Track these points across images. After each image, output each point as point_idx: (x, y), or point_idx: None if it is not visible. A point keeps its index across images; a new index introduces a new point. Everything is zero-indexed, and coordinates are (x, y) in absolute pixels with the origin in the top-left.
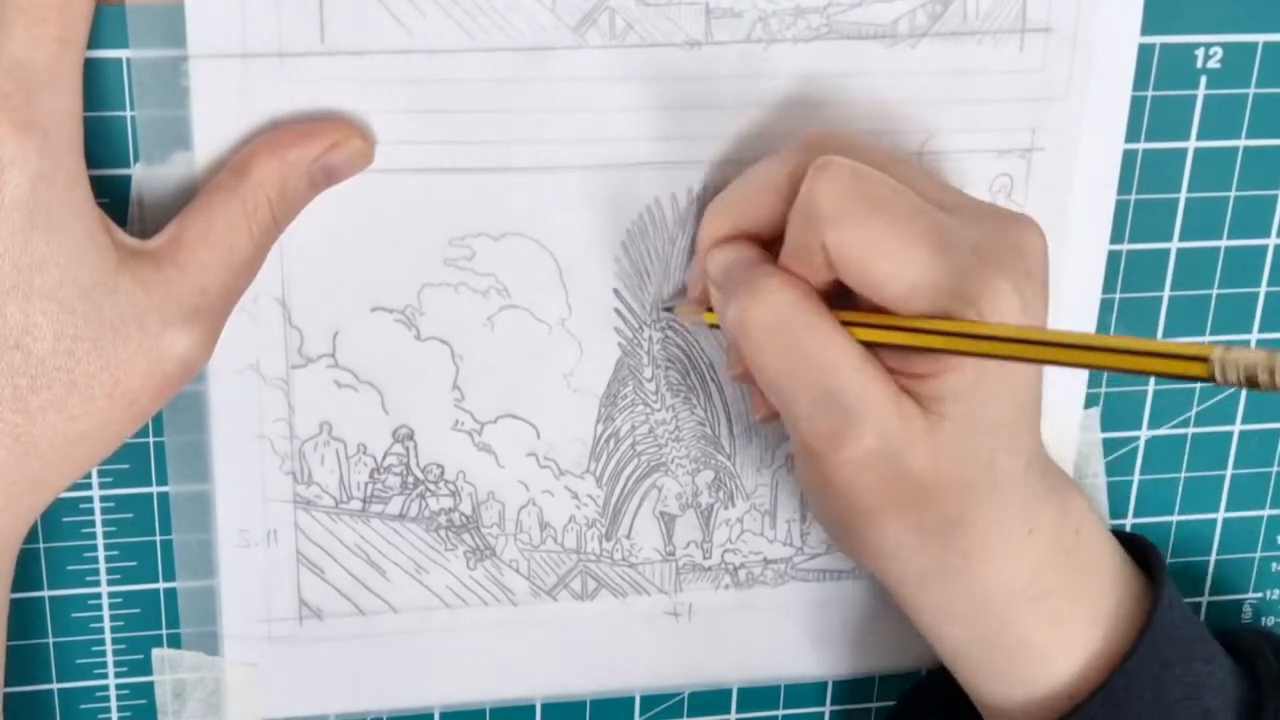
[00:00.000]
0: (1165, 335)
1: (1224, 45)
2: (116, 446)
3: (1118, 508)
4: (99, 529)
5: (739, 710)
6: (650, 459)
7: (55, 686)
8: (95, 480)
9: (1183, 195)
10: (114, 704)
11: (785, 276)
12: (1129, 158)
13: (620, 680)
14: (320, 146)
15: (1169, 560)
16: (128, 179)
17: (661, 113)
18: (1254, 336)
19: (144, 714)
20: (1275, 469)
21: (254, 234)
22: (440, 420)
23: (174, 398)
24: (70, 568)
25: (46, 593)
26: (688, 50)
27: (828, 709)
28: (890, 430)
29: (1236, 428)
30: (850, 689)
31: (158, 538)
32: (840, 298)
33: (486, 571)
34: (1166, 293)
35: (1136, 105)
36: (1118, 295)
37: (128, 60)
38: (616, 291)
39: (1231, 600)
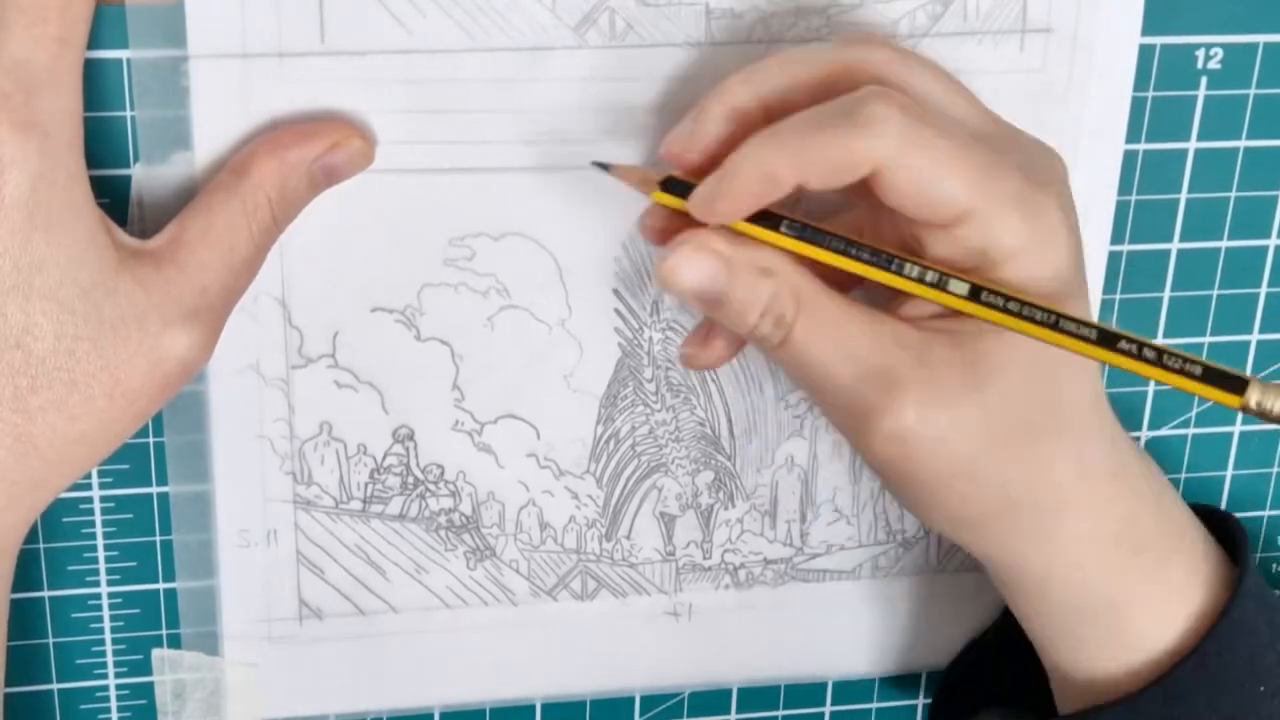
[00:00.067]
0: (1165, 336)
1: (1224, 46)
2: (117, 446)
3: None
4: (99, 529)
5: (739, 710)
6: (650, 459)
7: (55, 686)
8: (95, 480)
9: (1183, 196)
10: (114, 704)
11: (827, 289)
12: (1129, 158)
13: (620, 680)
14: (320, 146)
15: None
16: (128, 179)
17: (661, 113)
18: (1254, 337)
19: (144, 714)
20: (1275, 469)
21: (254, 234)
22: (440, 420)
23: (174, 398)
24: (70, 568)
25: (46, 593)
26: (688, 50)
27: (828, 709)
28: (930, 397)
29: (1236, 428)
30: (850, 689)
31: (158, 538)
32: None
33: (486, 572)
34: (1167, 293)
35: (1137, 106)
36: (1118, 295)
37: (128, 60)
38: (616, 291)
39: None
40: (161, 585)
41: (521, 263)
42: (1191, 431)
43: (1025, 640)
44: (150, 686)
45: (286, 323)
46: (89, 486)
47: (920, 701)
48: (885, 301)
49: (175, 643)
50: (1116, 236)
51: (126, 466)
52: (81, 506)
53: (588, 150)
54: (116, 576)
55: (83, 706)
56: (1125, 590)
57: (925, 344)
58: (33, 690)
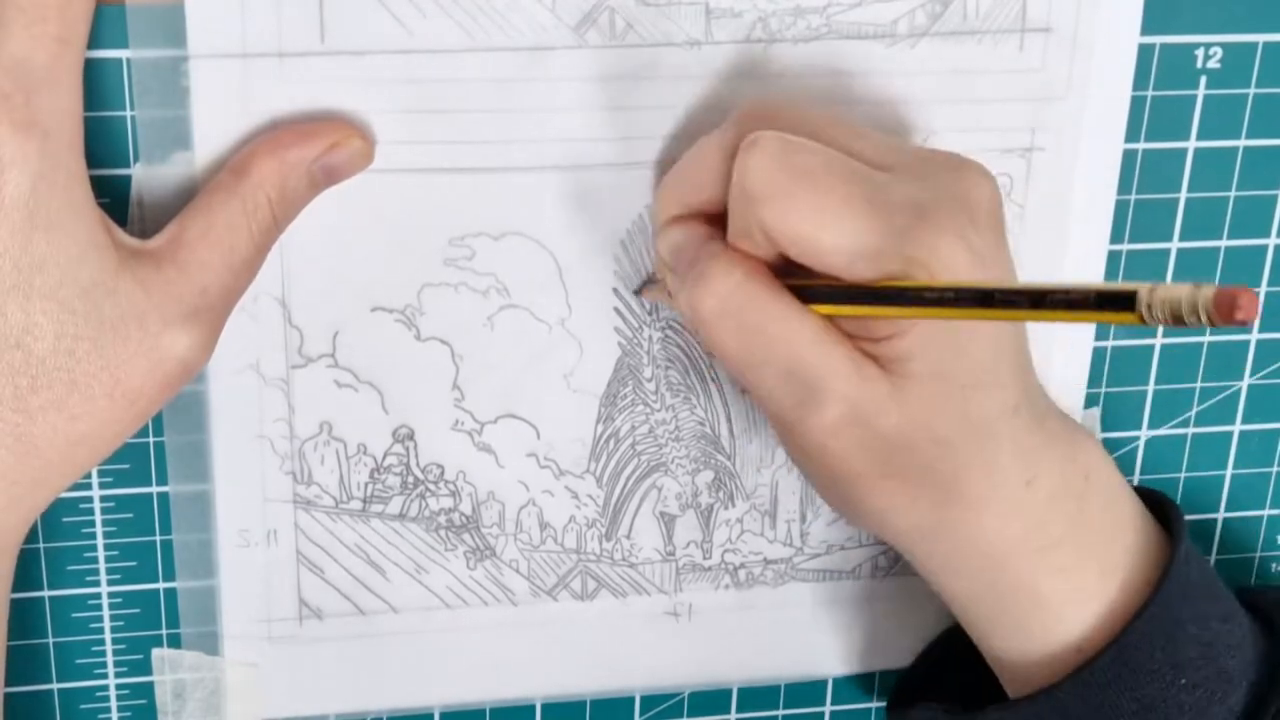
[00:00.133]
0: (1165, 335)
1: (1224, 45)
2: (117, 446)
3: None
4: (99, 529)
5: (739, 710)
6: (650, 459)
7: (55, 686)
8: (95, 480)
9: (1183, 195)
10: (114, 704)
11: (730, 258)
12: (1129, 158)
13: (620, 680)
14: (320, 146)
15: None
16: (128, 179)
17: (662, 113)
18: (1254, 337)
19: (144, 714)
20: (1275, 469)
21: (254, 234)
22: (440, 420)
23: (174, 398)
24: (70, 568)
25: (46, 593)
26: (688, 50)
27: (828, 709)
28: (854, 396)
29: (1236, 428)
30: (850, 689)
31: (158, 538)
32: (795, 266)
33: (486, 571)
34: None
35: (1136, 105)
36: None
37: (128, 60)
38: (616, 291)
39: None
40: (161, 585)
41: (521, 262)
42: (1191, 431)
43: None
44: (150, 686)
45: (286, 323)
46: (89, 486)
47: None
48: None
49: (175, 643)
50: (1116, 236)
51: (126, 466)
52: (81, 506)
53: (588, 150)
54: (116, 576)
55: (83, 706)
56: (1035, 585)
57: (847, 342)
58: (33, 690)
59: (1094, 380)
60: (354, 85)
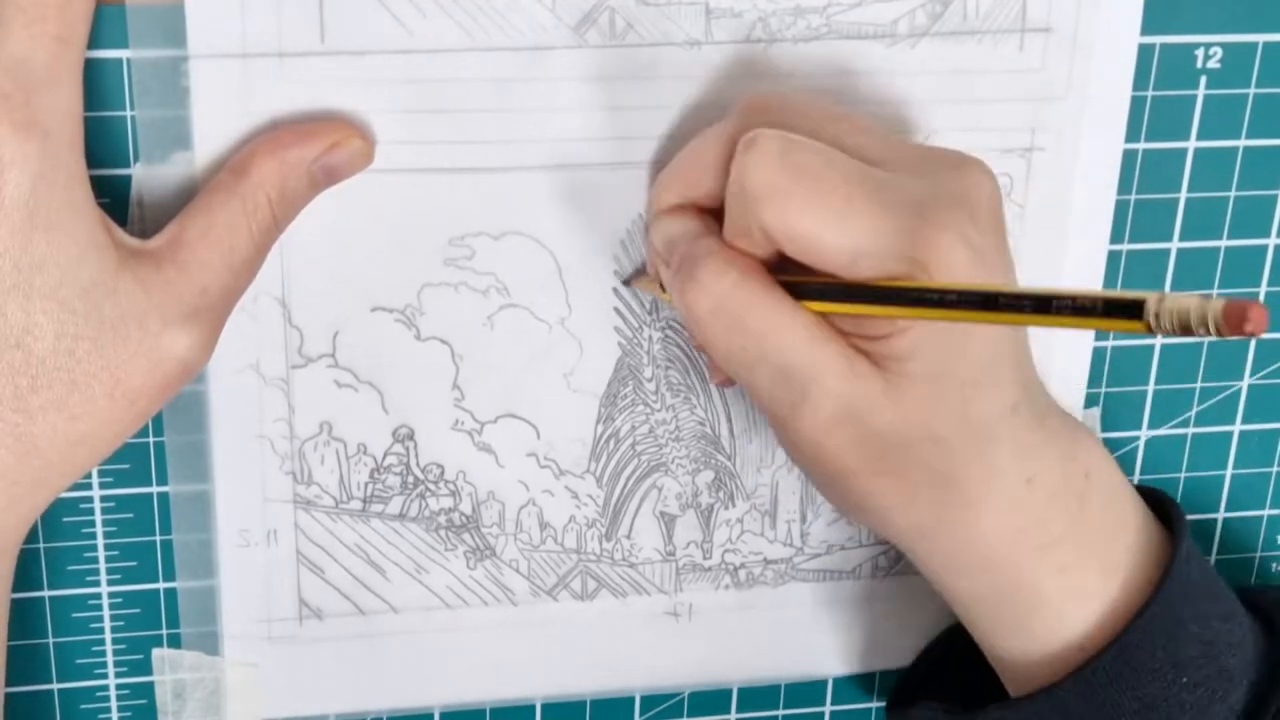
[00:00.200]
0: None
1: (1224, 45)
2: (117, 446)
3: None
4: (99, 529)
5: (739, 710)
6: (650, 459)
7: (55, 686)
8: (95, 480)
9: (1183, 195)
10: (114, 704)
11: (726, 256)
12: (1129, 158)
13: (620, 680)
14: (320, 146)
15: None
16: (128, 179)
17: (661, 113)
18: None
19: (144, 714)
20: (1275, 469)
21: (254, 234)
22: (440, 420)
23: (174, 398)
24: (70, 568)
25: (46, 593)
26: (688, 50)
27: (828, 709)
28: (847, 393)
29: (1236, 428)
30: (850, 689)
31: (158, 538)
32: (792, 261)
33: (486, 571)
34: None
35: (1136, 105)
36: None
37: (128, 60)
38: (616, 291)
39: None
40: (161, 585)
41: (521, 262)
42: (1191, 431)
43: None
44: (150, 686)
45: (286, 323)
46: (89, 486)
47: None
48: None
49: (175, 643)
50: (1116, 236)
51: (126, 466)
52: (81, 506)
53: (588, 150)
54: (116, 576)
55: (83, 706)
56: (1036, 584)
57: (840, 339)
58: (33, 690)
59: (1094, 380)
60: (354, 85)
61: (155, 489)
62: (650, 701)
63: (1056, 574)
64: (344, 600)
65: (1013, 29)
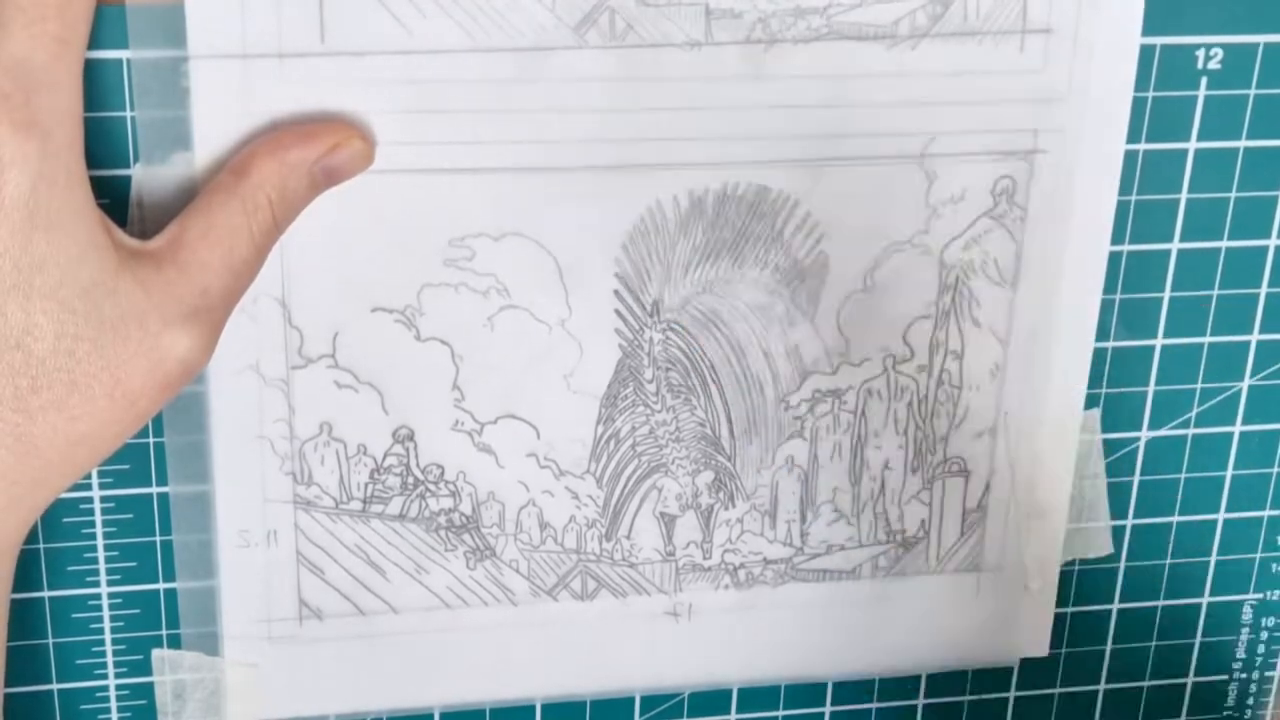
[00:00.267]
0: (1166, 336)
1: (1225, 46)
2: (117, 447)
3: (1118, 508)
4: (99, 529)
5: (739, 710)
6: (650, 460)
7: (55, 687)
8: (95, 480)
9: (1183, 196)
10: (114, 704)
11: None
12: (1129, 159)
13: (620, 680)
14: (321, 147)
15: (1169, 560)
16: (128, 179)
17: (661, 113)
18: (1254, 337)
19: (144, 714)
20: (1275, 469)
21: (254, 235)
22: (440, 420)
23: (174, 398)
24: (70, 568)
25: (46, 593)
26: (688, 50)
27: (828, 709)
28: None
29: (1236, 428)
30: (850, 689)
31: (158, 538)
32: None
33: (486, 571)
34: (1167, 293)
35: (1137, 106)
36: (1118, 296)
37: (128, 60)
38: (616, 292)
39: (1232, 601)
40: (161, 585)
41: (521, 263)
42: (1191, 432)
43: None
44: (150, 686)
45: (286, 323)
46: (89, 486)
47: (920, 702)
48: None
49: (175, 643)
50: (1117, 236)
51: (126, 466)
52: (81, 506)
53: (588, 150)
54: (116, 576)
55: (83, 706)
56: None
57: None
58: (33, 690)
59: (1094, 381)
60: (354, 85)
61: (155, 489)
62: (650, 701)
63: None
64: (344, 601)
65: (1013, 30)
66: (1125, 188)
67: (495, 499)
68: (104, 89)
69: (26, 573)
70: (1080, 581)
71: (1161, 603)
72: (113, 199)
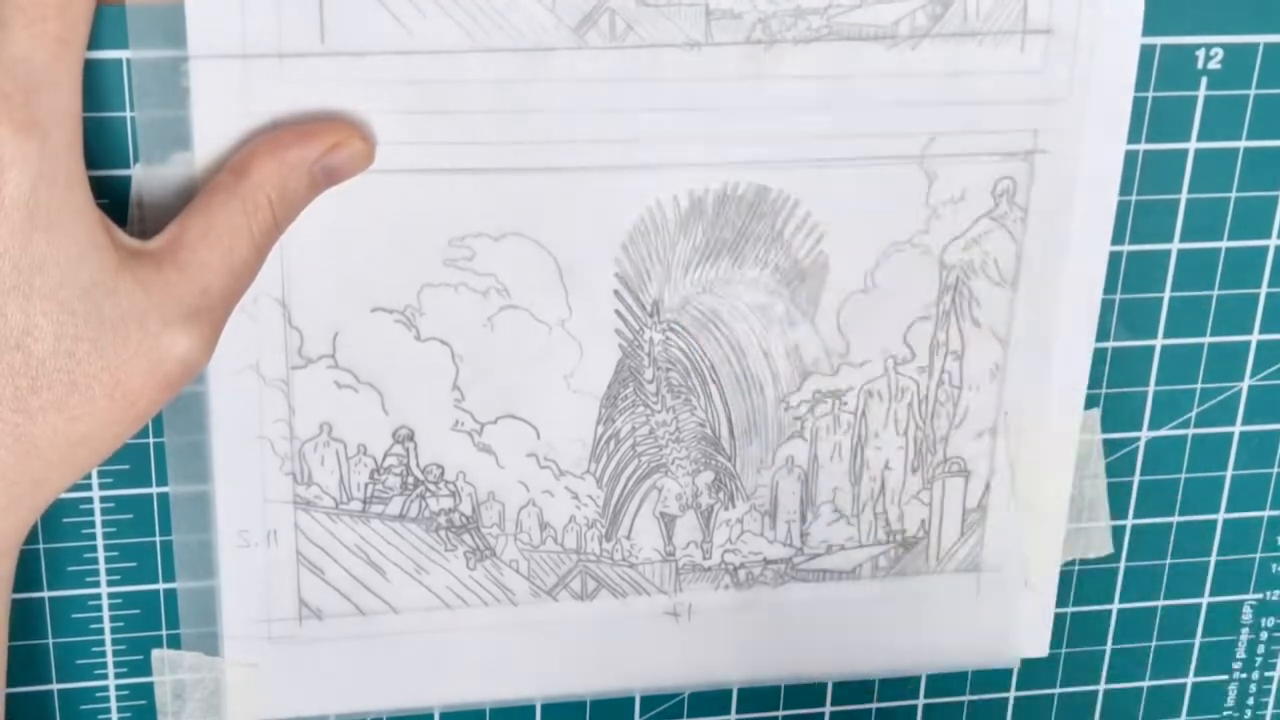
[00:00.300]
0: (1165, 336)
1: (1225, 46)
2: (117, 447)
3: (1118, 508)
4: (99, 529)
5: (739, 710)
6: (650, 460)
7: (55, 687)
8: (95, 480)
9: (1183, 196)
10: (114, 704)
11: None
12: (1129, 159)
13: (620, 680)
14: (321, 147)
15: (1169, 560)
16: (128, 179)
17: (661, 113)
18: (1254, 337)
19: (144, 714)
20: (1275, 469)
21: (254, 234)
22: (440, 421)
23: (174, 398)
24: (70, 568)
25: (46, 593)
26: (688, 51)
27: (828, 709)
28: None
29: (1237, 428)
30: (850, 689)
31: (158, 538)
32: None
33: (486, 572)
34: (1167, 294)
35: (1137, 106)
36: (1118, 296)
37: (128, 60)
38: (616, 292)
39: (1231, 601)
40: (161, 585)
41: (521, 263)
42: (1191, 432)
43: None
44: (150, 686)
45: (286, 323)
46: (89, 486)
47: (920, 701)
48: None
49: (175, 643)
50: (1117, 237)
51: (126, 466)
52: (81, 506)
53: (588, 150)
54: (116, 576)
55: (83, 706)
56: None
57: None
58: (33, 690)
59: (1094, 381)
60: (354, 85)
61: (155, 489)
62: (650, 701)
63: None
64: (344, 601)
65: (1014, 30)
66: (1125, 188)
67: (495, 499)
68: (104, 89)
69: (26, 573)
70: (1080, 581)
71: (1161, 603)
72: (113, 199)
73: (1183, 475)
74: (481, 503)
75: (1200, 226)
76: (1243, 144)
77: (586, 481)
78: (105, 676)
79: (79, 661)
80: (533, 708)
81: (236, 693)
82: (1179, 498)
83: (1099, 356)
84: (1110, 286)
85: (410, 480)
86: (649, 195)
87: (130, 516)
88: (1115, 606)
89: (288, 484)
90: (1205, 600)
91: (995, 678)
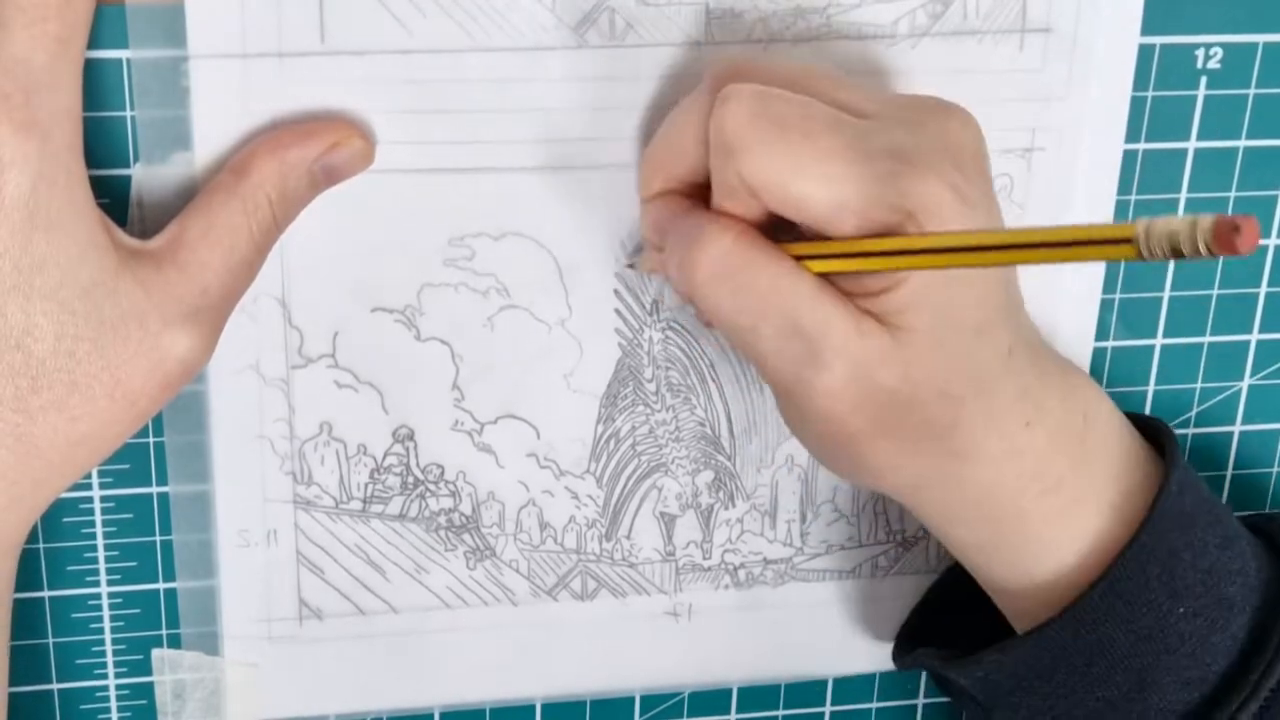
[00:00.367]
0: (1165, 336)
1: (1224, 45)
2: (117, 447)
3: None
4: (99, 529)
5: (739, 710)
6: (650, 459)
7: (55, 686)
8: (95, 480)
9: (1183, 196)
10: (114, 704)
11: (720, 220)
12: (1129, 158)
13: (620, 680)
14: (321, 146)
15: None
16: (128, 179)
17: (661, 113)
18: (1254, 337)
19: (144, 714)
20: (1275, 469)
21: (254, 234)
22: (440, 420)
23: (174, 398)
24: (70, 568)
25: (46, 593)
26: (688, 50)
27: (828, 709)
28: (856, 353)
29: (1236, 428)
30: (850, 689)
31: (158, 538)
32: (783, 226)
33: (486, 571)
34: (1167, 293)
35: (1136, 105)
36: (1118, 295)
37: (128, 60)
38: (617, 292)
39: None
40: (161, 585)
41: (521, 263)
42: (1191, 431)
43: None
44: (150, 686)
45: (286, 323)
46: (89, 486)
47: (920, 701)
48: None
49: (175, 643)
50: None
51: (126, 466)
52: (81, 506)
53: (588, 150)
54: (116, 576)
55: (83, 706)
56: (1037, 528)
57: (845, 300)
58: (33, 690)
59: (1094, 380)
60: (354, 85)
61: (155, 489)
62: (650, 701)
63: (1057, 517)
64: (344, 600)
65: (1013, 29)
66: (1125, 187)
67: (495, 499)
68: (104, 89)
69: (27, 573)
70: None
71: None
72: (113, 199)
73: None
74: (481, 502)
75: None
76: (1242, 143)
77: (586, 481)
78: (105, 676)
79: (79, 661)
80: (533, 708)
81: (236, 693)
82: None
83: (1099, 356)
84: (1110, 286)
85: (410, 480)
86: None
87: (130, 516)
88: None
89: (288, 484)
90: None
91: None
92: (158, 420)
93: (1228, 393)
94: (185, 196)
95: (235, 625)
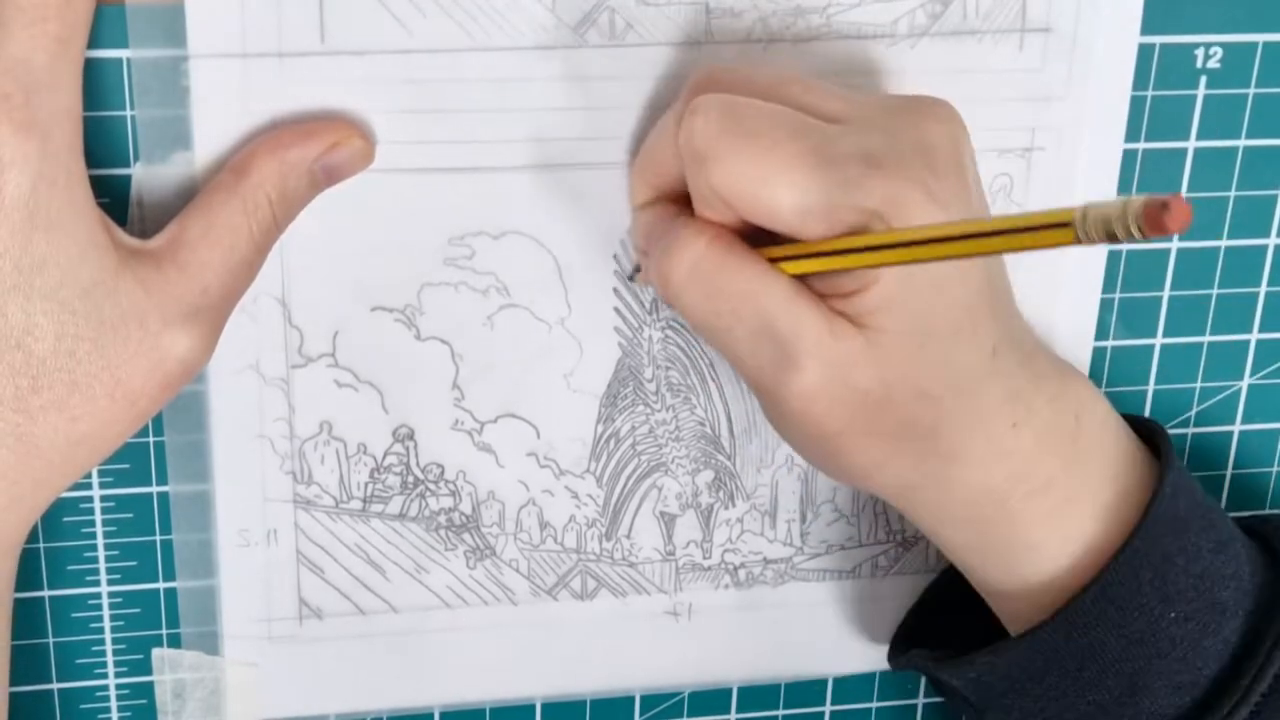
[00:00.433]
0: (1165, 336)
1: (1224, 45)
2: (118, 446)
3: None
4: (99, 529)
5: (739, 710)
6: (650, 459)
7: (55, 686)
8: (95, 480)
9: (1182, 195)
10: (114, 704)
11: (698, 223)
12: (1129, 157)
13: (620, 680)
14: (321, 146)
15: None
16: (128, 179)
17: (661, 113)
18: (1254, 337)
19: (144, 714)
20: (1275, 469)
21: (255, 234)
22: (440, 420)
23: (174, 398)
24: (70, 568)
25: (46, 593)
26: (688, 50)
27: (828, 709)
28: (829, 355)
29: (1236, 428)
30: (850, 689)
31: (158, 538)
32: (764, 230)
33: (486, 571)
34: (1166, 292)
35: (1136, 105)
36: (1118, 295)
37: (128, 60)
38: (616, 291)
39: None
40: (161, 585)
41: (521, 262)
42: (1191, 431)
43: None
44: (150, 686)
45: (286, 322)
46: (89, 486)
47: (920, 701)
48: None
49: (175, 643)
50: None
51: (126, 466)
52: (81, 506)
53: (588, 150)
54: (116, 576)
55: (83, 706)
56: (1026, 531)
57: (819, 302)
58: (33, 690)
59: (1094, 380)
60: (354, 85)
61: (155, 489)
62: (650, 701)
63: (1046, 519)
64: (344, 600)
65: (1012, 29)
66: (1124, 186)
67: (495, 498)
68: (104, 89)
69: (27, 572)
70: None
71: None
72: (113, 199)
73: None
74: (481, 502)
75: (1199, 225)
76: (1242, 143)
77: (586, 481)
78: (105, 676)
79: (79, 661)
80: (533, 707)
81: (236, 692)
82: None
83: (1099, 356)
84: (1110, 285)
85: (410, 479)
86: None
87: (130, 516)
88: None
89: (288, 483)
90: None
91: None
92: (158, 420)
93: (1227, 392)
94: (185, 196)
95: (235, 625)
